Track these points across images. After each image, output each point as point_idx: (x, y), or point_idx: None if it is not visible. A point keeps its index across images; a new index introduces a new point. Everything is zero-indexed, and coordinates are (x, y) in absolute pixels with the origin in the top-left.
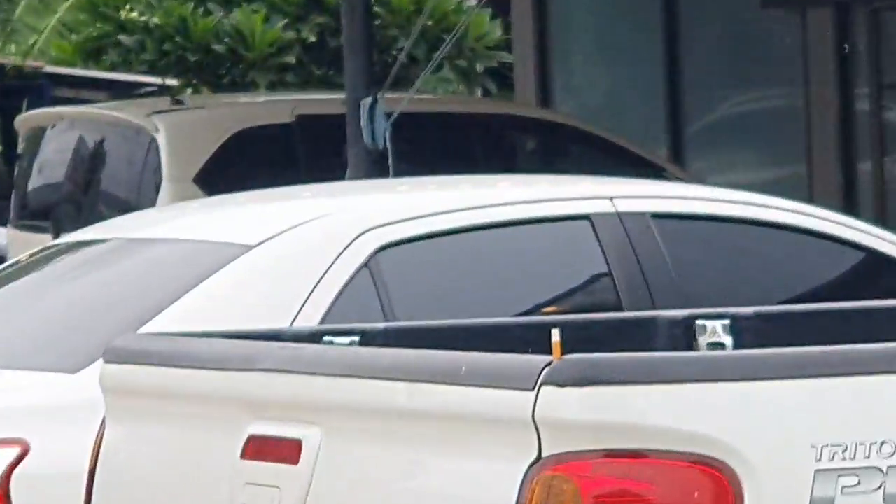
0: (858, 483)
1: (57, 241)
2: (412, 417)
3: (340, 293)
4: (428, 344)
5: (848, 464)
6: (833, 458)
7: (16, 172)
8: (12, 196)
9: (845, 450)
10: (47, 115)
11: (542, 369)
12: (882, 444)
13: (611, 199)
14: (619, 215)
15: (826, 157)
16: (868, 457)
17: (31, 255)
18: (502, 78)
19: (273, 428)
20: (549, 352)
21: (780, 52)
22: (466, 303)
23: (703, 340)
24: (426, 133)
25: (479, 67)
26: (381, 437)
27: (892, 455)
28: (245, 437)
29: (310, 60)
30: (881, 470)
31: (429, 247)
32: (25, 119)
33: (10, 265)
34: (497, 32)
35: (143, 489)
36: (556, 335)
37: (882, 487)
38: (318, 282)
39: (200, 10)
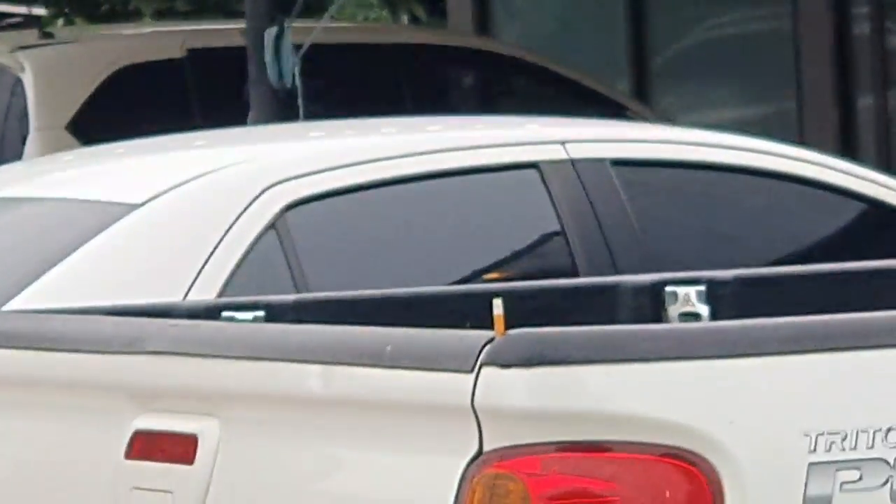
0: (860, 478)
1: None
2: (328, 406)
3: (242, 260)
4: (346, 319)
5: (848, 455)
6: (830, 448)
7: None
8: None
9: (844, 438)
10: None
11: (482, 347)
12: (888, 431)
13: (563, 143)
14: (573, 162)
15: (819, 90)
16: (871, 446)
17: None
18: (432, 2)
19: (163, 421)
20: (491, 326)
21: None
22: (392, 269)
23: (673, 310)
24: (343, 68)
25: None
26: (292, 429)
27: None
28: (130, 432)
29: None
30: (888, 462)
31: (347, 203)
32: None
33: None
34: None
35: (7, 493)
36: (498, 306)
37: (889, 483)
38: (216, 247)
39: None
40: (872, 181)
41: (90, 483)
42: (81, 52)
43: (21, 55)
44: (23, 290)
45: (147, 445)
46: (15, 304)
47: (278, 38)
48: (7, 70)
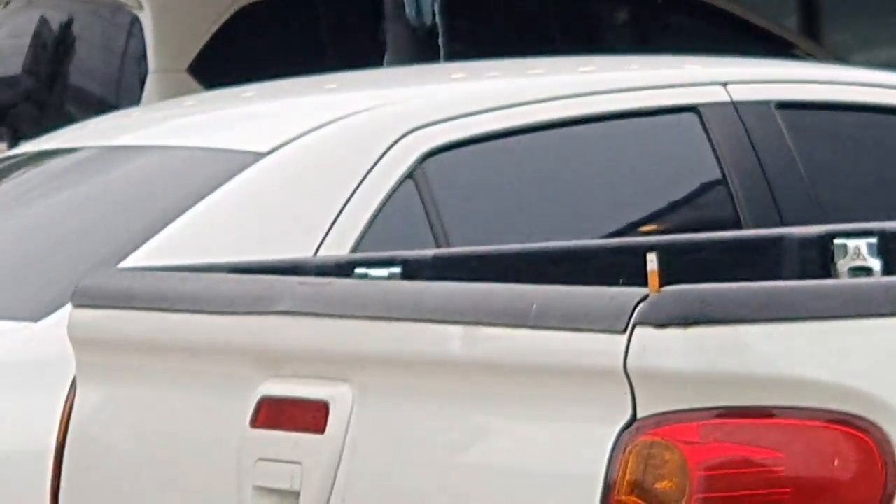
0: None
1: (14, 152)
2: (471, 369)
3: (377, 212)
4: (489, 275)
5: None
6: None
7: None
8: None
9: None
10: None
11: (636, 305)
12: None
13: (724, 84)
14: (736, 105)
15: None
16: None
17: None
18: None
19: (292, 387)
20: (645, 283)
21: None
22: (539, 222)
23: (843, 264)
24: (487, 4)
25: None
26: (432, 395)
27: None
28: (256, 399)
29: None
30: None
31: (490, 151)
32: None
33: None
34: None
35: (125, 467)
36: (652, 261)
37: None
38: (349, 198)
39: None
40: None
41: (213, 454)
42: None
43: None
44: (141, 245)
45: (274, 413)
46: (132, 260)
47: None
48: (123, 8)
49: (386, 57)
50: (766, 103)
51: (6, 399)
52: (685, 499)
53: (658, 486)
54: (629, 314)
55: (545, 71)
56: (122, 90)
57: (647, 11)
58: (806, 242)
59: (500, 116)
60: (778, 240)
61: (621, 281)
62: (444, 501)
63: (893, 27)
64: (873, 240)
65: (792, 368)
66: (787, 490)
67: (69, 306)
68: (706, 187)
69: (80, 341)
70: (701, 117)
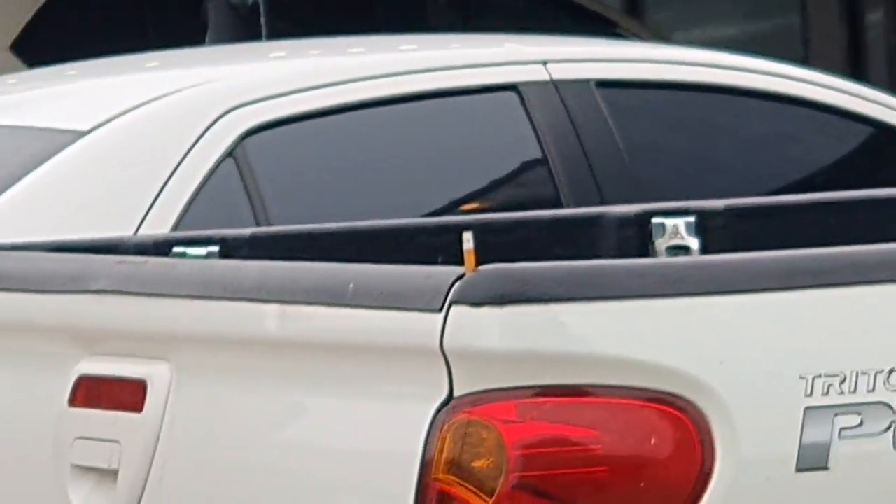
0: (861, 423)
1: None
2: (287, 348)
3: (197, 191)
4: (308, 254)
5: (847, 399)
6: (828, 391)
7: None
8: None
9: (843, 381)
10: None
11: (452, 284)
12: (891, 372)
13: (544, 63)
14: (555, 84)
15: (825, 4)
16: (872, 389)
17: None
18: None
19: (110, 366)
20: (462, 262)
21: None
22: (360, 201)
23: (661, 243)
24: None
25: None
26: (249, 374)
27: None
28: (74, 377)
29: None
30: (890, 406)
31: (311, 129)
32: None
33: None
34: None
35: None
36: (468, 240)
37: (892, 428)
38: (169, 177)
39: None
40: (880, 103)
41: (31, 432)
42: None
43: None
44: None
45: (92, 391)
46: None
47: None
48: None
49: (208, 35)
50: (585, 82)
51: None
52: (502, 477)
53: (475, 464)
54: (445, 293)
55: (366, 49)
56: None
57: None
58: (624, 221)
59: (320, 95)
60: (597, 218)
61: (440, 260)
62: (262, 479)
63: (713, 6)
64: (691, 218)
65: (608, 347)
66: (604, 468)
67: None
68: (527, 166)
69: None
70: (521, 96)
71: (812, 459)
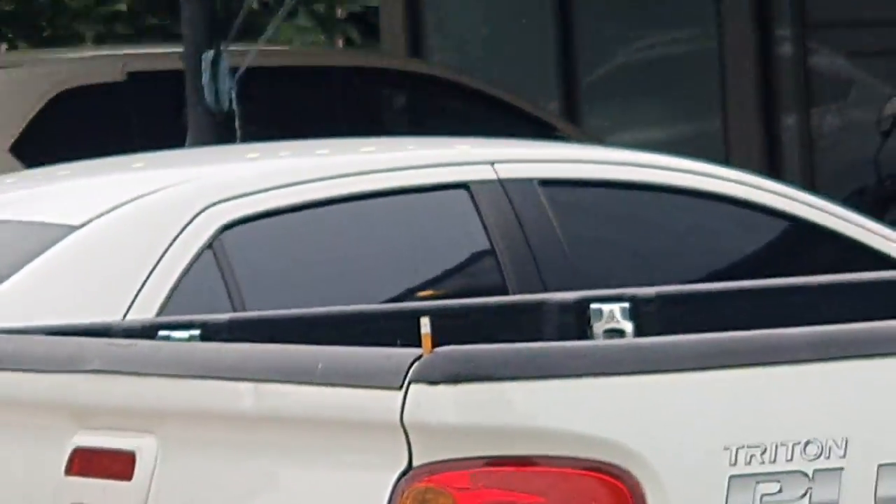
0: (780, 490)
1: None
2: (262, 423)
3: (180, 280)
4: (281, 337)
5: (767, 468)
6: (750, 461)
7: None
8: None
9: (764, 451)
10: None
11: (411, 364)
12: (807, 444)
13: (492, 164)
14: (502, 182)
15: (744, 109)
16: (790, 459)
17: None
18: (367, 25)
19: (102, 439)
20: (420, 344)
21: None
22: (327, 288)
23: (598, 327)
24: (279, 91)
25: (340, 13)
26: (227, 446)
27: (818, 457)
28: (70, 449)
29: (142, 8)
30: (807, 474)
31: (282, 223)
32: None
33: None
34: None
35: None
36: (426, 325)
37: (808, 495)
38: (154, 267)
39: None
40: (796, 199)
41: (30, 500)
42: (24, 76)
43: None
44: None
45: (86, 462)
46: None
47: (215, 62)
48: None
49: (188, 138)
50: (530, 181)
51: None
52: None
53: None
54: (405, 372)
55: (331, 151)
56: None
57: (424, 97)
58: (565, 307)
59: (289, 192)
60: (540, 305)
61: (398, 342)
62: None
63: (642, 112)
64: (626, 304)
65: (551, 421)
66: None
67: None
68: (476, 257)
69: None
70: (471, 193)
71: None
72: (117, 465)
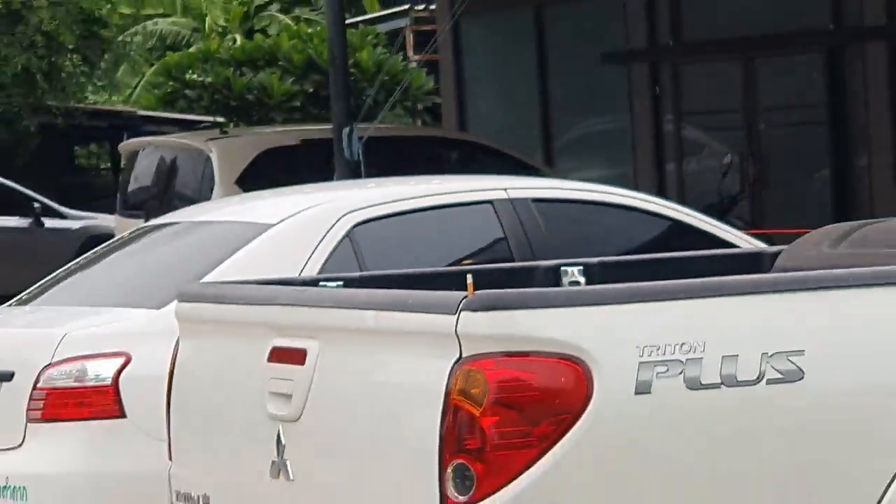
0: (667, 370)
1: (146, 224)
2: (378, 333)
3: (331, 254)
4: (388, 286)
5: (660, 358)
6: (651, 354)
7: (120, 179)
8: (118, 195)
9: (658, 349)
10: (140, 142)
11: (461, 301)
12: (682, 344)
13: (505, 189)
14: (511, 200)
15: (646, 159)
16: (674, 353)
17: (130, 234)
18: (434, 113)
19: (288, 341)
20: (466, 289)
21: (613, 91)
22: (416, 259)
23: (565, 280)
24: (386, 150)
25: (419, 106)
26: (359, 346)
27: (689, 351)
28: (270, 347)
29: (309, 104)
30: (681, 361)
31: (390, 223)
32: (125, 145)
33: (117, 240)
34: (430, 84)
35: (204, 384)
36: (470, 279)
37: (682, 373)
38: (316, 246)
39: (238, 72)
40: (674, 209)
41: (249, 375)
42: (243, 141)
43: (210, 143)
44: (212, 271)
45: (279, 355)
46: (207, 279)
47: (350, 133)
48: (203, 152)
49: (335, 176)
50: (526, 199)
51: (145, 347)
52: (486, 397)
53: (472, 391)
54: (458, 305)
55: (415, 182)
56: (201, 194)
57: (467, 152)
58: (547, 269)
59: (393, 205)
60: (532, 269)
61: (454, 290)
62: (365, 404)
63: (590, 162)
64: (580, 268)
65: (540, 332)
66: (537, 392)
67: (176, 301)
68: (496, 243)
69: (182, 319)
70: (494, 207)
71: (642, 388)
72: (296, 356)
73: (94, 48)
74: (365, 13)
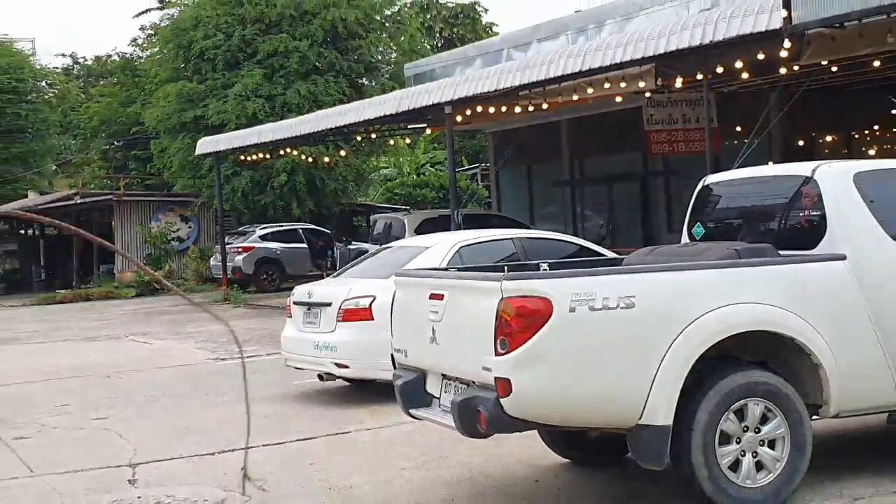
0: (581, 303)
1: (385, 245)
2: (471, 288)
3: (451, 259)
4: (478, 271)
5: (579, 298)
6: (576, 297)
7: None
8: (370, 231)
9: (578, 294)
10: (377, 216)
11: (502, 276)
12: (587, 292)
13: (517, 235)
14: (519, 240)
15: (568, 222)
16: (583, 296)
17: (377, 250)
18: (489, 205)
19: (436, 291)
20: (522, 268)
21: (559, 197)
22: (487, 259)
23: (541, 268)
24: (470, 220)
25: (481, 202)
26: (463, 293)
27: (589, 295)
28: (429, 293)
29: (442, 202)
30: (587, 300)
31: (474, 247)
32: (375, 217)
33: (370, 253)
34: (485, 192)
35: (405, 307)
36: (505, 268)
37: (587, 304)
38: (444, 255)
39: (415, 189)
40: (581, 241)
41: (422, 303)
42: (417, 215)
43: (403, 214)
44: (407, 264)
45: (433, 296)
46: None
47: (456, 213)
48: (400, 219)
49: (451, 229)
50: (523, 238)
51: (382, 292)
52: (511, 313)
53: (505, 310)
54: (501, 277)
55: (483, 231)
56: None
57: (506, 222)
58: (532, 265)
59: (470, 239)
60: (526, 264)
61: (505, 268)
62: (465, 315)
63: (550, 224)
64: (547, 264)
65: (531, 288)
66: (529, 311)
67: (393, 276)
68: (513, 258)
69: (397, 282)
70: (514, 242)
71: (571, 310)
72: (439, 297)
73: (358, 181)
74: (464, 165)
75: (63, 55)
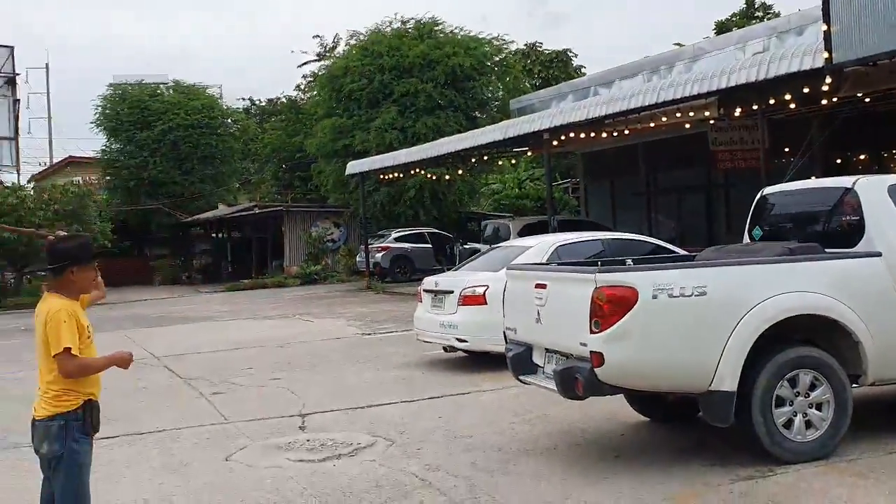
0: (663, 291)
1: (491, 246)
2: (570, 279)
3: (549, 257)
4: (576, 265)
5: (660, 287)
6: (658, 286)
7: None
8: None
9: (660, 284)
10: (488, 221)
11: (597, 270)
12: (669, 283)
13: (604, 237)
14: (602, 241)
15: (642, 225)
16: (664, 286)
17: (487, 249)
18: (578, 212)
19: (540, 281)
20: (611, 264)
21: (637, 206)
22: (578, 256)
23: (628, 263)
24: (562, 225)
25: (572, 210)
26: (563, 283)
27: (669, 285)
28: (535, 283)
29: (538, 210)
30: (668, 288)
31: (569, 246)
32: (485, 223)
33: (481, 252)
34: (575, 202)
35: (515, 294)
36: (598, 262)
37: (668, 293)
38: (545, 253)
39: (520, 200)
40: (656, 240)
41: (529, 292)
42: (518, 222)
43: (508, 220)
44: (514, 259)
45: (538, 286)
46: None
47: (552, 217)
48: (508, 224)
49: (549, 231)
50: (608, 239)
51: (495, 282)
52: (604, 299)
53: (599, 297)
54: (595, 270)
55: (571, 234)
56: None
57: (589, 226)
58: (619, 261)
59: (564, 241)
60: (615, 260)
61: (599, 263)
62: (565, 302)
63: (630, 227)
64: (631, 260)
65: (620, 278)
66: (619, 298)
67: (505, 269)
68: (599, 253)
69: (508, 275)
70: (601, 243)
71: (654, 297)
72: (542, 287)
73: (471, 194)
74: (558, 181)
75: (243, 98)
